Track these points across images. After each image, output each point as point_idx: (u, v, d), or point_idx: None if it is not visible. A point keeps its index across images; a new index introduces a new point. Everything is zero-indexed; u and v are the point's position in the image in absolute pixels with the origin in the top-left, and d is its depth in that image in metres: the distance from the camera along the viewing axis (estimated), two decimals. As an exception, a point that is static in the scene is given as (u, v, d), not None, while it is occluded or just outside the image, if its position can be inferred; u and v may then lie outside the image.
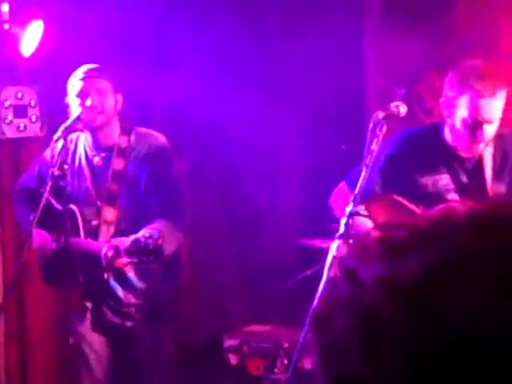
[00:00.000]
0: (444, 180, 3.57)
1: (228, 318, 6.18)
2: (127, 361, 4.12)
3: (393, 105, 3.46)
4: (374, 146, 3.33)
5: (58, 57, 4.89)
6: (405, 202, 3.61)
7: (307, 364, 5.28)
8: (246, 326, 5.77)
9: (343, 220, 3.22)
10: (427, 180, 3.56)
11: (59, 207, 3.91)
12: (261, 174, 6.13)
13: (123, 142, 4.04)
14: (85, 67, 4.00)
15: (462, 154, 3.59)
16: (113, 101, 4.00)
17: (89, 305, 4.10)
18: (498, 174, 3.55)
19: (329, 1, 5.48)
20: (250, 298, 6.14)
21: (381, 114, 3.39)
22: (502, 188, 3.52)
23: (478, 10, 5.13)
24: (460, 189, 3.57)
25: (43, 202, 3.68)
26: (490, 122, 3.45)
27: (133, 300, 4.02)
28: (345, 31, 5.27)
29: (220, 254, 6.25)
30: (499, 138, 3.59)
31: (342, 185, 3.80)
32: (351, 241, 3.18)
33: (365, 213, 3.42)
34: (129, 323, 4.06)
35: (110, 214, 3.97)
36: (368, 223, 3.48)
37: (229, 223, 6.23)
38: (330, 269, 3.17)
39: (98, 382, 4.17)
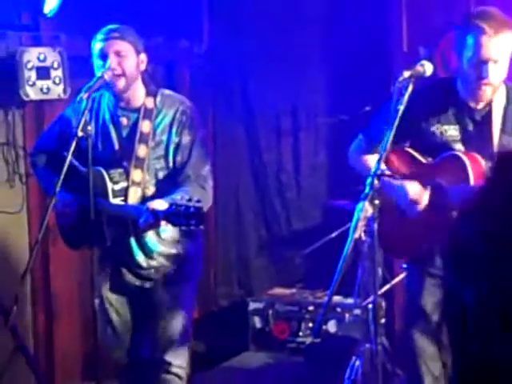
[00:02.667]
0: (452, 130, 3.56)
1: (253, 281, 6.19)
2: (148, 321, 4.13)
3: (418, 64, 3.43)
4: (399, 106, 3.31)
5: (80, 17, 4.86)
6: (416, 154, 3.64)
7: (332, 327, 5.28)
8: (271, 290, 5.78)
9: (368, 180, 3.19)
10: (436, 130, 3.56)
11: (83, 169, 3.88)
12: (284, 134, 6.12)
13: (149, 103, 4.01)
14: (106, 28, 3.97)
15: (473, 105, 3.58)
16: (134, 61, 3.96)
17: (110, 266, 4.10)
18: (506, 127, 3.53)
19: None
20: (275, 261, 6.14)
21: (406, 74, 3.38)
22: (509, 142, 3.51)
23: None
24: (467, 140, 3.56)
25: (67, 163, 3.65)
26: (494, 61, 3.44)
27: (154, 262, 4.02)
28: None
29: (244, 218, 6.24)
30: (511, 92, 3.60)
31: (362, 140, 3.83)
32: (377, 201, 3.15)
33: (389, 173, 3.39)
34: (148, 284, 4.06)
35: (137, 175, 3.95)
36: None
37: (253, 186, 6.21)
38: (354, 230, 3.14)
39: (122, 343, 4.18)
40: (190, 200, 3.53)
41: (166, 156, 3.98)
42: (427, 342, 3.70)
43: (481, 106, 3.58)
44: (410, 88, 3.35)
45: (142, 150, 3.97)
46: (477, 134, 3.57)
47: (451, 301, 1.38)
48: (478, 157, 3.49)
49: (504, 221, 1.31)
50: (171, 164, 3.97)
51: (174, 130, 3.97)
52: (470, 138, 3.56)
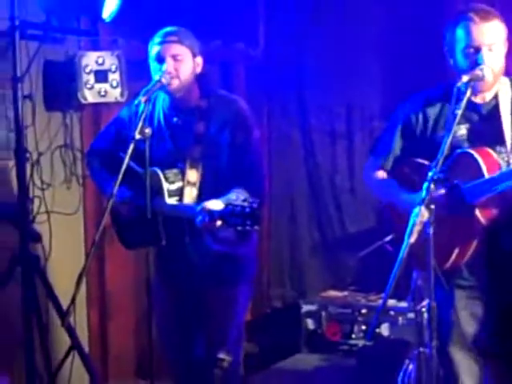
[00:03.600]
0: (462, 130, 3.54)
1: (306, 283, 6.20)
2: (202, 321, 4.15)
3: (477, 69, 3.42)
4: (457, 111, 3.30)
5: (138, 21, 4.92)
6: (425, 161, 3.60)
7: (385, 330, 5.27)
8: (324, 292, 5.78)
9: (425, 185, 3.19)
10: (444, 133, 3.50)
11: (140, 170, 3.92)
12: (339, 137, 6.12)
13: (203, 104, 4.04)
14: (163, 31, 4.01)
15: (478, 100, 3.58)
16: (190, 65, 3.99)
17: (166, 266, 4.13)
18: None
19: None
20: (328, 263, 6.14)
21: (465, 78, 3.37)
22: None
23: None
24: (476, 135, 3.55)
25: (125, 165, 3.69)
26: (487, 46, 3.46)
27: (207, 263, 4.04)
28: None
29: (298, 219, 6.25)
30: None
31: (371, 160, 3.82)
32: (433, 206, 3.15)
33: (446, 178, 3.38)
34: (202, 284, 4.08)
35: (193, 176, 3.97)
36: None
37: (307, 188, 6.22)
38: (410, 235, 3.14)
39: (176, 342, 4.22)
40: (245, 200, 3.54)
41: (220, 156, 4.00)
42: (464, 357, 3.65)
43: (487, 99, 3.57)
44: (469, 93, 3.34)
45: (196, 151, 4.00)
46: (485, 128, 3.56)
47: (491, 245, 1.39)
48: (489, 149, 3.46)
49: None
50: (226, 164, 3.99)
51: (228, 130, 3.99)
52: (478, 134, 3.55)
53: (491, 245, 1.39)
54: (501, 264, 1.36)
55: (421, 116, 3.66)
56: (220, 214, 3.62)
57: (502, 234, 1.37)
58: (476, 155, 3.45)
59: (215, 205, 3.67)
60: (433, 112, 3.63)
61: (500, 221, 1.40)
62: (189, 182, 3.97)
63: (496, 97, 3.56)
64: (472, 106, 3.56)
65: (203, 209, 3.70)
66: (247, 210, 3.52)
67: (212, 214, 3.66)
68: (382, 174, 3.76)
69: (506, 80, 3.59)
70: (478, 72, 3.42)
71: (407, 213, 3.46)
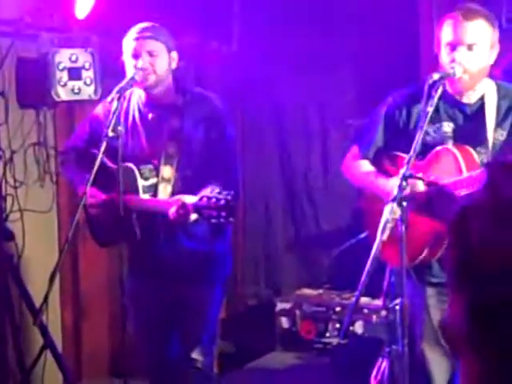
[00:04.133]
0: (446, 127, 3.56)
1: (280, 281, 6.20)
2: (176, 319, 4.14)
3: (448, 66, 3.44)
4: (429, 108, 3.31)
5: (112, 18, 4.90)
6: (406, 155, 3.60)
7: (359, 328, 5.29)
8: (298, 290, 5.79)
9: (397, 182, 3.19)
10: (429, 129, 3.53)
11: (114, 166, 3.91)
12: (313, 134, 6.14)
13: (179, 100, 4.03)
14: (138, 27, 3.99)
15: (464, 99, 3.60)
16: (166, 60, 3.99)
17: (140, 263, 4.12)
18: (500, 121, 3.53)
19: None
20: (303, 261, 6.15)
21: (436, 75, 3.38)
22: (503, 135, 3.52)
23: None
24: (459, 134, 3.57)
25: (98, 162, 3.68)
26: (467, 46, 3.47)
27: (181, 260, 4.03)
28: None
29: (272, 217, 6.25)
30: (505, 90, 3.61)
31: (354, 149, 3.82)
32: (405, 203, 3.15)
33: (419, 175, 3.39)
34: (176, 282, 4.07)
35: (167, 172, 3.97)
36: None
37: (281, 185, 6.23)
38: (383, 231, 3.14)
39: (150, 340, 4.20)
40: (220, 193, 3.56)
41: (195, 153, 4.00)
42: (436, 354, 3.67)
43: (472, 100, 3.59)
44: (440, 90, 3.35)
45: (171, 147, 3.99)
46: (469, 128, 3.58)
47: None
48: (469, 148, 3.49)
49: None
50: (200, 161, 3.99)
51: (203, 126, 3.99)
52: (462, 133, 3.57)
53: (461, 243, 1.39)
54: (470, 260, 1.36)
55: (404, 111, 3.67)
56: (194, 207, 3.62)
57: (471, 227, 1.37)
58: (456, 152, 3.47)
59: (189, 198, 3.68)
60: (416, 108, 3.64)
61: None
62: (163, 179, 3.97)
63: (482, 99, 3.58)
64: (458, 106, 3.58)
65: (177, 201, 3.70)
66: (222, 201, 3.53)
67: (186, 207, 3.66)
68: (364, 163, 3.77)
69: (492, 83, 3.60)
70: (449, 70, 3.43)
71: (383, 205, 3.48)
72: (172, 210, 3.73)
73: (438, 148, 3.53)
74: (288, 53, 5.96)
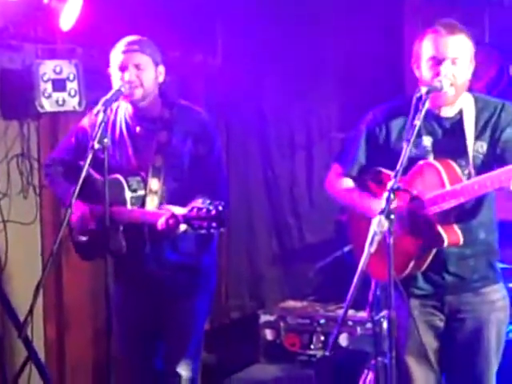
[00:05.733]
0: (426, 141, 3.58)
1: (264, 293, 6.20)
2: (161, 332, 4.13)
3: (435, 80, 3.45)
4: (416, 121, 3.32)
5: (96, 31, 4.90)
6: (389, 171, 3.61)
7: (343, 340, 5.28)
8: (283, 302, 5.78)
9: (385, 195, 3.19)
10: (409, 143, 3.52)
11: (101, 178, 3.90)
12: (298, 148, 6.15)
13: (166, 114, 4.04)
14: (126, 40, 4.00)
15: (442, 113, 3.60)
16: (153, 74, 4.00)
17: (125, 276, 4.10)
18: (479, 133, 3.56)
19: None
20: (287, 273, 6.15)
21: (424, 89, 3.39)
22: (482, 147, 3.53)
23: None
24: (438, 148, 3.58)
25: (83, 174, 3.67)
26: (451, 60, 3.48)
27: (167, 273, 4.02)
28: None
29: (257, 230, 6.25)
30: (483, 102, 3.62)
31: (336, 167, 3.83)
32: (393, 216, 3.16)
33: (406, 188, 3.40)
34: (161, 295, 4.06)
35: (155, 184, 3.97)
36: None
37: (265, 199, 6.23)
38: (371, 244, 3.14)
39: (134, 353, 4.19)
40: (211, 203, 3.56)
41: (182, 166, 4.00)
42: (421, 366, 3.67)
43: (451, 114, 3.60)
44: (427, 103, 3.37)
45: (158, 160, 3.99)
46: (448, 141, 3.59)
47: None
48: (451, 162, 3.50)
49: None
50: (188, 174, 3.99)
51: (191, 140, 3.99)
52: (441, 146, 3.58)
53: None
54: None
55: (384, 127, 3.69)
56: (184, 218, 3.62)
57: None
58: (439, 166, 3.48)
59: (178, 209, 3.67)
60: (396, 124, 3.66)
61: None
62: (151, 191, 3.97)
63: (460, 112, 3.60)
64: (436, 120, 3.59)
65: (166, 212, 3.70)
66: (213, 212, 3.54)
67: (175, 218, 3.65)
68: (347, 181, 3.78)
69: (469, 96, 3.62)
70: (436, 83, 3.44)
71: (366, 224, 3.49)
72: (161, 221, 3.72)
73: (421, 162, 3.54)
74: (273, 65, 5.97)
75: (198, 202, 3.62)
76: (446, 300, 3.59)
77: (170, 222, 3.68)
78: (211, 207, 3.54)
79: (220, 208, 3.54)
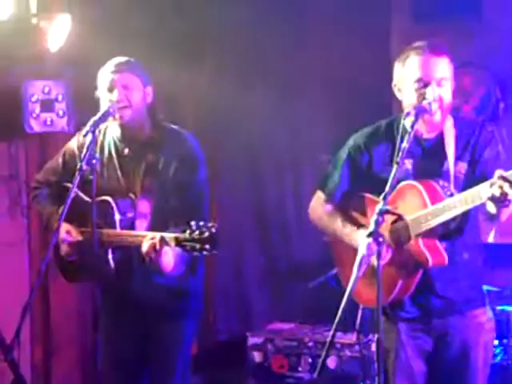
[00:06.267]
0: (406, 164, 3.58)
1: (252, 316, 6.17)
2: (147, 355, 4.10)
3: (425, 102, 3.45)
4: (405, 144, 3.32)
5: (85, 51, 4.89)
6: (372, 196, 3.60)
7: (331, 363, 5.26)
8: (270, 324, 5.76)
9: (373, 218, 3.19)
10: (390, 166, 3.50)
11: (88, 199, 3.88)
12: (286, 169, 6.15)
13: (154, 135, 4.02)
14: (114, 61, 3.99)
15: (423, 135, 3.58)
16: (141, 95, 3.99)
17: (112, 299, 4.07)
18: (460, 154, 3.56)
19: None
20: (275, 295, 6.13)
21: (412, 111, 3.39)
22: (464, 168, 3.54)
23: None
24: (419, 169, 3.57)
25: (71, 195, 3.65)
26: (437, 81, 3.48)
27: (154, 295, 4.00)
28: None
29: (245, 252, 6.24)
30: (463, 123, 3.62)
31: (319, 193, 3.83)
32: (381, 239, 3.15)
33: (395, 210, 3.39)
34: (148, 318, 4.04)
35: (145, 207, 3.95)
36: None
37: (254, 220, 6.22)
38: (359, 268, 3.13)
39: (121, 376, 4.16)
40: (204, 226, 3.55)
41: (168, 189, 3.98)
42: None
43: (432, 135, 3.59)
44: (416, 126, 3.37)
45: (148, 181, 3.98)
46: (429, 162, 3.58)
47: None
48: (433, 182, 3.50)
49: None
50: (172, 198, 3.97)
51: (174, 167, 3.97)
52: (422, 168, 3.58)
53: None
54: None
55: (365, 153, 3.68)
56: (176, 239, 3.60)
57: None
58: (420, 187, 3.48)
59: (167, 233, 3.67)
60: (377, 149, 3.66)
61: None
62: (140, 213, 3.95)
63: (441, 133, 3.60)
64: (417, 141, 3.59)
65: (159, 237, 3.67)
66: (206, 233, 3.53)
67: (165, 241, 3.64)
68: (330, 208, 3.78)
69: (449, 117, 3.63)
70: (425, 105, 3.44)
71: (350, 246, 3.49)
72: (147, 246, 3.70)
73: (402, 184, 3.54)
74: (261, 86, 5.97)
75: (192, 224, 3.60)
76: (434, 323, 3.58)
77: (157, 246, 3.66)
78: (204, 229, 3.53)
79: (213, 230, 3.53)
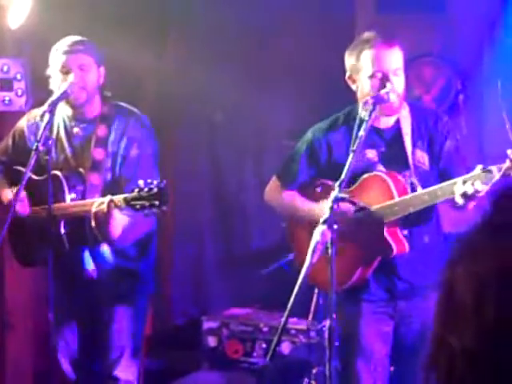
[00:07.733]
0: (370, 154, 3.61)
1: (209, 299, 6.17)
2: (98, 335, 4.10)
3: (383, 91, 3.48)
4: (361, 132, 3.34)
5: (45, 29, 4.83)
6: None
7: (285, 348, 5.28)
8: (226, 309, 5.76)
9: (328, 205, 3.20)
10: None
11: (38, 178, 3.86)
12: (247, 154, 6.14)
13: (105, 110, 4.01)
14: (67, 40, 3.95)
15: (381, 126, 3.63)
16: (95, 75, 3.97)
17: (64, 279, 4.05)
18: (417, 142, 3.60)
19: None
20: (233, 280, 6.13)
21: (370, 100, 3.41)
22: (423, 158, 3.57)
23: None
24: (384, 160, 3.62)
25: (26, 176, 3.63)
26: (393, 71, 3.52)
27: (105, 276, 3.99)
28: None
29: (203, 235, 6.23)
30: (416, 109, 3.69)
31: (275, 181, 3.85)
32: (335, 226, 3.16)
33: (351, 198, 3.41)
34: (99, 298, 4.03)
35: (95, 178, 3.93)
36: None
37: (213, 204, 6.21)
38: (313, 254, 3.15)
39: (73, 356, 4.16)
40: (151, 183, 3.54)
41: (113, 167, 3.97)
42: (369, 373, 3.69)
43: (389, 125, 3.64)
44: (373, 115, 3.39)
45: (98, 154, 3.96)
46: (391, 153, 3.63)
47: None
48: (397, 174, 3.55)
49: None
50: (118, 176, 3.96)
51: (123, 142, 3.97)
52: (385, 158, 3.62)
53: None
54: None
55: (324, 143, 3.71)
56: (125, 200, 3.60)
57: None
58: (386, 178, 3.51)
59: (115, 196, 3.66)
60: (336, 138, 3.69)
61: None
62: (91, 185, 3.93)
63: (398, 121, 3.63)
64: (376, 132, 3.61)
65: (107, 201, 3.66)
66: (155, 189, 3.53)
67: (113, 203, 3.63)
68: (288, 193, 3.79)
69: (405, 104, 3.66)
70: (383, 95, 3.47)
71: (306, 232, 3.50)
72: (95, 208, 3.69)
73: (366, 175, 3.57)
74: (224, 69, 5.94)
75: (141, 182, 3.59)
76: (399, 305, 3.63)
77: (105, 208, 3.65)
78: (152, 186, 3.53)
79: (162, 185, 3.53)
